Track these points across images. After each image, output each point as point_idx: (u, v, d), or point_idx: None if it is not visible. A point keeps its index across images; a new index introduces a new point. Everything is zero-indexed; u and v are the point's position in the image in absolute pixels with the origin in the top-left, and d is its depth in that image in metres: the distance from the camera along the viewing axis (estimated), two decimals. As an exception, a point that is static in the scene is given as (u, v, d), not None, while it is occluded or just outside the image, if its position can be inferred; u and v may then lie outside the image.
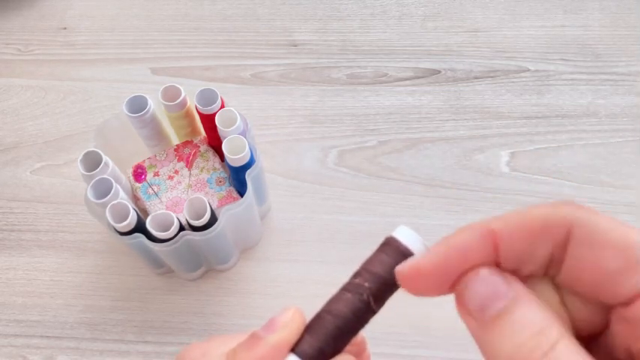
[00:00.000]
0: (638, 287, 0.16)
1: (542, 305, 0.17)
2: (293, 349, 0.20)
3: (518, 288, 0.17)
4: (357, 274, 0.21)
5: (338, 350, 0.20)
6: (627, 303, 0.16)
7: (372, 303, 0.20)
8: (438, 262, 0.18)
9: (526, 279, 0.18)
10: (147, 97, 0.41)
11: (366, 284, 0.20)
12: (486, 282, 0.17)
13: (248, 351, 0.21)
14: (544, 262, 0.18)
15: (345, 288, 0.21)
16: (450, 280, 0.18)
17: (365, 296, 0.20)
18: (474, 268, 0.18)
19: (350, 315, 0.20)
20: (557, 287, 0.18)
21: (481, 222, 0.18)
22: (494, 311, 0.17)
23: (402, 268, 0.19)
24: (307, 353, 0.20)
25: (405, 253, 0.20)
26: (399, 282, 0.19)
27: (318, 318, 0.21)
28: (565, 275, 0.18)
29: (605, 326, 0.18)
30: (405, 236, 0.21)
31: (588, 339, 0.18)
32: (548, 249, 0.17)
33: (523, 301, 0.17)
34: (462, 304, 0.18)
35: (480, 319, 0.17)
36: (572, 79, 0.56)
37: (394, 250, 0.20)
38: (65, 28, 0.63)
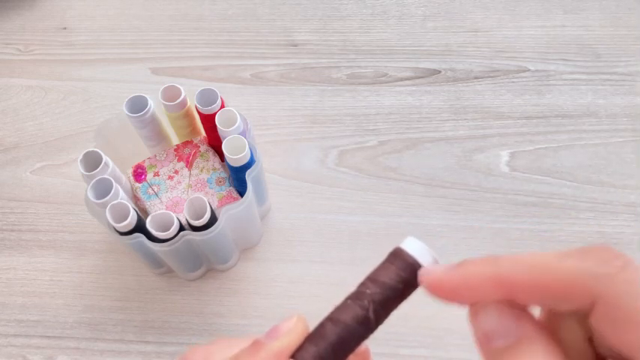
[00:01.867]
0: None
1: (550, 350, 0.16)
2: (293, 356, 0.20)
3: (527, 328, 0.17)
4: (362, 284, 0.21)
5: (339, 359, 0.20)
6: None
7: (375, 314, 0.20)
8: (457, 285, 0.18)
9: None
10: (147, 97, 0.41)
11: (371, 293, 0.20)
12: (494, 317, 0.17)
13: (250, 357, 0.21)
14: (567, 312, 0.17)
15: (350, 297, 0.21)
16: (468, 301, 0.18)
17: (368, 306, 0.20)
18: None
19: (352, 324, 0.20)
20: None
21: (493, 265, 0.18)
22: (498, 345, 0.17)
23: (425, 274, 0.19)
24: None
25: (412, 265, 0.20)
26: (421, 284, 0.19)
27: (320, 326, 0.21)
28: (593, 325, 0.17)
29: None
30: (413, 248, 0.20)
31: None
32: (570, 308, 0.17)
33: (528, 343, 0.17)
34: (473, 325, 0.18)
35: (484, 349, 0.17)
36: (572, 79, 0.56)
37: (402, 262, 0.20)
38: (65, 28, 0.63)
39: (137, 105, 0.41)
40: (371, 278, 0.21)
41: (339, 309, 0.21)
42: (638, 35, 0.59)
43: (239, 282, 0.46)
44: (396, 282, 0.20)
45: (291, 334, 0.21)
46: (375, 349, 0.45)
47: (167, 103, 0.41)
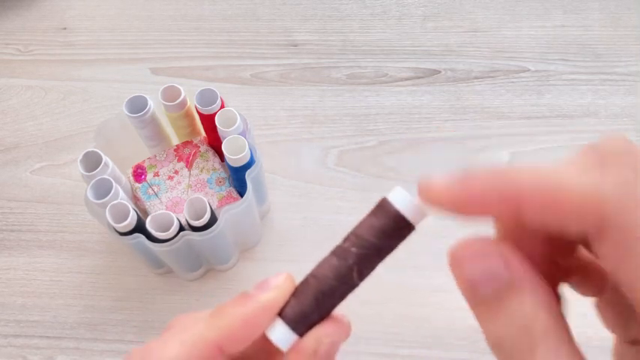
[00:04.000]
0: None
1: (539, 296, 0.15)
2: (279, 314, 0.20)
3: (518, 272, 0.16)
4: (346, 239, 0.20)
5: (323, 315, 0.20)
6: None
7: (359, 273, 0.19)
8: (459, 199, 0.16)
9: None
10: (147, 97, 0.41)
11: (353, 249, 0.19)
12: (482, 260, 0.16)
13: (237, 307, 0.20)
14: (569, 235, 0.15)
15: (333, 252, 0.20)
16: (471, 215, 0.17)
17: (350, 262, 0.19)
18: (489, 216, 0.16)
19: (333, 280, 0.20)
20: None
21: (502, 177, 0.16)
22: (484, 293, 0.16)
23: (424, 188, 0.17)
24: (291, 317, 0.20)
25: (396, 219, 0.19)
26: (420, 197, 0.18)
27: (304, 283, 0.21)
28: (597, 250, 0.15)
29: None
30: (400, 200, 0.19)
31: None
32: (577, 230, 0.15)
33: (519, 288, 0.15)
34: (454, 269, 0.16)
35: (469, 298, 0.16)
36: (572, 79, 0.56)
37: (385, 214, 0.19)
38: (65, 28, 0.63)
39: (137, 105, 0.41)
40: (356, 234, 0.19)
41: (323, 266, 0.20)
42: (638, 35, 0.59)
43: (239, 282, 0.46)
44: (380, 239, 0.19)
45: (280, 289, 0.20)
46: (375, 349, 0.45)
47: (167, 103, 0.41)
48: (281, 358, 0.21)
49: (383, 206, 0.19)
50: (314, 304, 0.20)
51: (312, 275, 0.20)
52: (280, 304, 0.20)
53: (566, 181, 0.15)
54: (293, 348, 0.20)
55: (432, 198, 0.17)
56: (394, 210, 0.19)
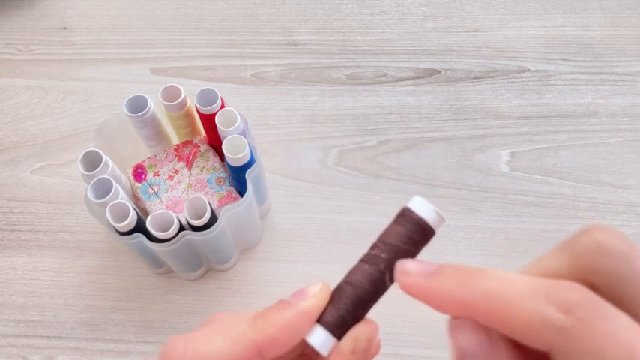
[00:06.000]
0: None
1: None
2: (317, 320, 0.21)
3: (501, 354, 0.17)
4: (374, 246, 0.22)
5: (358, 319, 0.22)
6: None
7: (390, 276, 0.21)
8: (427, 295, 0.19)
9: None
10: (147, 97, 0.41)
11: (383, 255, 0.21)
12: (471, 335, 0.17)
13: (278, 313, 0.21)
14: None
15: (363, 259, 0.22)
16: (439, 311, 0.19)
17: (382, 267, 0.21)
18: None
19: (368, 285, 0.21)
20: None
21: (462, 287, 0.18)
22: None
23: (401, 275, 0.19)
24: (330, 322, 0.21)
25: (419, 224, 0.21)
26: (397, 282, 0.20)
27: (338, 289, 0.22)
28: None
29: None
30: (420, 207, 0.21)
31: None
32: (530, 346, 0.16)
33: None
34: (450, 337, 0.18)
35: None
36: (572, 79, 0.56)
37: (409, 221, 0.21)
38: (65, 28, 0.63)
39: (137, 105, 0.41)
40: (383, 241, 0.21)
41: (356, 272, 0.22)
42: (638, 35, 0.59)
43: (239, 282, 0.46)
44: (408, 244, 0.21)
45: (318, 297, 0.22)
46: (375, 349, 0.45)
47: (167, 103, 0.41)
48: None
49: (406, 215, 0.21)
50: (351, 309, 0.21)
51: (346, 282, 0.22)
52: (319, 310, 0.21)
53: (514, 305, 0.16)
54: (333, 349, 0.21)
55: (405, 286, 0.19)
56: (418, 217, 0.21)
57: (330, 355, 0.21)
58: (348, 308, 0.21)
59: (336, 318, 0.21)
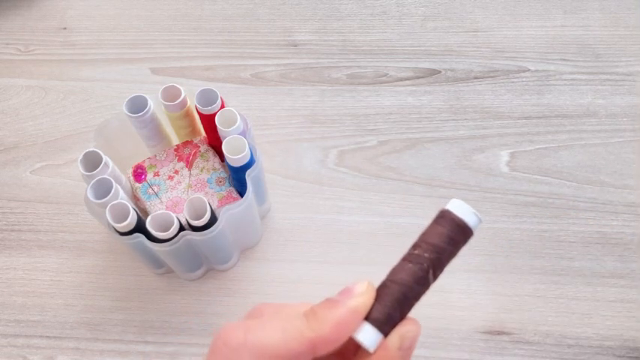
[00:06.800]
0: None
1: None
2: (365, 318, 0.22)
3: None
4: (415, 246, 0.23)
5: (403, 315, 0.22)
6: None
7: (433, 274, 0.22)
8: None
9: None
10: (147, 97, 0.41)
11: (426, 254, 0.22)
12: None
13: (329, 310, 0.22)
14: None
15: (406, 259, 0.23)
16: None
17: (425, 265, 0.22)
18: None
19: (413, 283, 0.22)
20: None
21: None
22: None
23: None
24: (378, 319, 0.22)
25: (459, 225, 0.22)
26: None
27: (383, 287, 0.23)
28: None
29: None
30: (459, 208, 0.23)
31: None
32: None
33: None
34: None
35: None
36: (572, 79, 0.56)
37: (449, 222, 0.22)
38: (65, 28, 0.63)
39: (137, 105, 0.41)
40: (425, 241, 0.23)
41: (398, 270, 0.23)
42: (638, 35, 0.59)
43: (239, 282, 0.46)
44: (448, 244, 0.22)
45: (366, 295, 0.22)
46: (375, 349, 0.45)
47: (167, 103, 0.41)
48: None
49: (446, 216, 0.23)
50: (397, 306, 0.22)
51: (391, 281, 0.23)
52: (367, 308, 0.22)
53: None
54: (380, 346, 0.22)
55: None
56: (458, 218, 0.22)
57: (375, 351, 0.22)
58: (394, 306, 0.22)
59: (383, 315, 0.22)
